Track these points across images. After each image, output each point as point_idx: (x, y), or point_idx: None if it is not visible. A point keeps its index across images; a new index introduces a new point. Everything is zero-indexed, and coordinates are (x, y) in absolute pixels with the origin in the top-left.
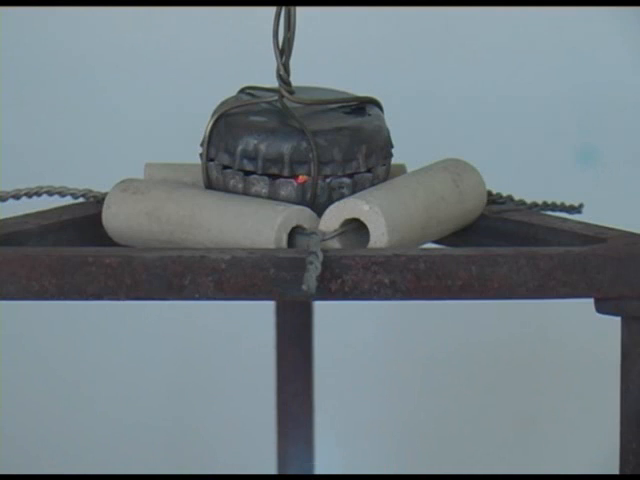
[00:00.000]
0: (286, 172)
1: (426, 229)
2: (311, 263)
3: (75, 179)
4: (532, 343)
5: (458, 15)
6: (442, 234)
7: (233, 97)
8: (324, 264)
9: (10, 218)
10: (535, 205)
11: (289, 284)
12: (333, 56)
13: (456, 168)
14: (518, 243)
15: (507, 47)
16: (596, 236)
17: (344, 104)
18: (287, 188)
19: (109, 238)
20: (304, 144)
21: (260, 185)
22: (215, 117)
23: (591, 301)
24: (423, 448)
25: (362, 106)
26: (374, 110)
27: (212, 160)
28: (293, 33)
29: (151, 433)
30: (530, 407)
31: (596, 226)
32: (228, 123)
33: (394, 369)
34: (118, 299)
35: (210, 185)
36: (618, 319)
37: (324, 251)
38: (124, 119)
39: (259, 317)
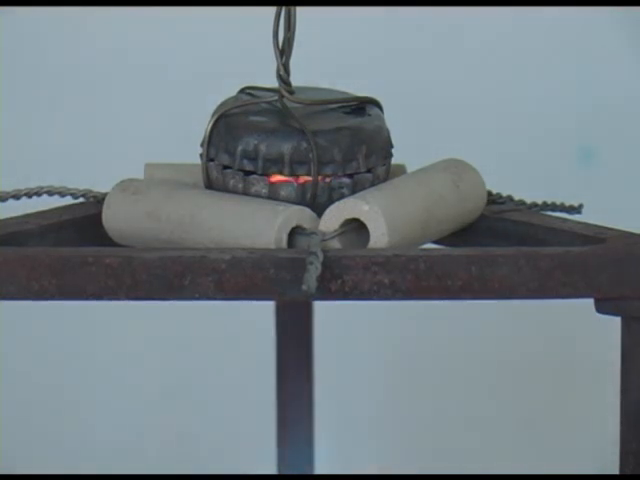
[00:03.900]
0: (286, 172)
1: (426, 229)
2: (311, 263)
3: (75, 179)
4: (532, 343)
5: (458, 15)
6: (442, 234)
7: (233, 97)
8: (324, 264)
9: (10, 218)
10: (535, 205)
11: (289, 284)
12: (333, 56)
13: (456, 168)
14: (518, 243)
15: (507, 48)
16: (596, 236)
17: (344, 104)
18: (287, 188)
19: (109, 238)
20: (304, 144)
21: (260, 185)
22: (215, 117)
23: (591, 301)
24: (423, 448)
25: (362, 106)
26: (374, 110)
27: (212, 160)
28: (293, 33)
29: (151, 432)
30: (530, 407)
31: (596, 226)
32: (228, 123)
33: (394, 369)
34: (118, 299)
35: (210, 185)
36: (618, 319)
37: (324, 251)
38: (124, 119)
39: (259, 317)
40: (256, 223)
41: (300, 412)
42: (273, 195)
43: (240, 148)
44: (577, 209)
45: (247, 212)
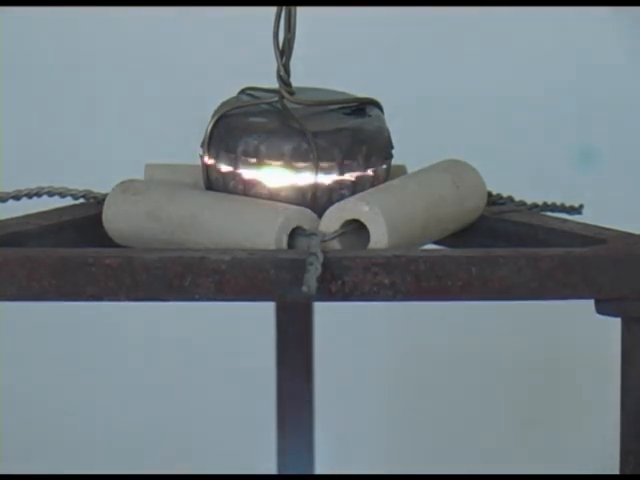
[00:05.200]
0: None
1: (426, 230)
2: (311, 264)
3: (75, 180)
4: (532, 344)
5: (458, 15)
6: (442, 235)
7: (233, 98)
8: (324, 265)
9: (10, 219)
10: (535, 206)
11: (289, 285)
12: (333, 57)
13: (456, 169)
14: (518, 244)
15: (507, 47)
16: (596, 237)
17: (344, 105)
18: (287, 189)
19: (109, 239)
20: (304, 145)
21: (260, 186)
22: (215, 118)
23: (591, 301)
24: (423, 448)
25: (362, 107)
26: (374, 111)
27: (212, 161)
28: (293, 34)
29: (150, 433)
30: (530, 407)
31: (596, 227)
32: (228, 124)
33: (394, 369)
34: (118, 300)
35: (210, 186)
36: (618, 320)
37: (324, 252)
38: (124, 120)
39: (259, 318)
40: (256, 224)
41: (300, 412)
42: (273, 196)
43: (240, 149)
44: (577, 210)
45: (247, 213)
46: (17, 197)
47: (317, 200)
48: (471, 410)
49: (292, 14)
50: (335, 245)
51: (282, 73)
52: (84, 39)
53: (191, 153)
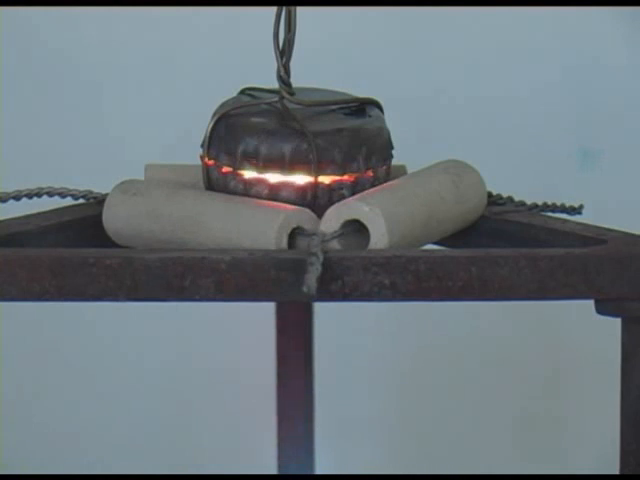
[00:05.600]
0: (286, 173)
1: (426, 230)
2: (312, 264)
3: (76, 180)
4: (532, 344)
5: (458, 15)
6: (442, 235)
7: (233, 98)
8: (324, 265)
9: (11, 219)
10: (535, 206)
11: (289, 285)
12: (333, 57)
13: (456, 169)
14: (518, 244)
15: (507, 47)
16: (596, 237)
17: (344, 105)
18: (287, 189)
19: (109, 239)
20: (304, 145)
21: (260, 186)
22: (216, 118)
23: (591, 302)
24: (423, 448)
25: (362, 107)
26: (374, 111)
27: (213, 161)
28: (293, 34)
29: (151, 433)
30: (530, 407)
31: (596, 227)
32: (229, 124)
33: (394, 369)
34: (118, 300)
35: (210, 186)
36: (618, 320)
37: (324, 252)
38: (124, 120)
39: (259, 318)
40: (256, 224)
41: (300, 412)
42: (273, 196)
43: (240, 149)
44: (577, 210)
45: (247, 213)
46: (17, 197)
47: (317, 200)
48: (471, 410)
49: (292, 14)
50: (335, 245)
51: (282, 73)
52: (84, 39)
53: (191, 153)
